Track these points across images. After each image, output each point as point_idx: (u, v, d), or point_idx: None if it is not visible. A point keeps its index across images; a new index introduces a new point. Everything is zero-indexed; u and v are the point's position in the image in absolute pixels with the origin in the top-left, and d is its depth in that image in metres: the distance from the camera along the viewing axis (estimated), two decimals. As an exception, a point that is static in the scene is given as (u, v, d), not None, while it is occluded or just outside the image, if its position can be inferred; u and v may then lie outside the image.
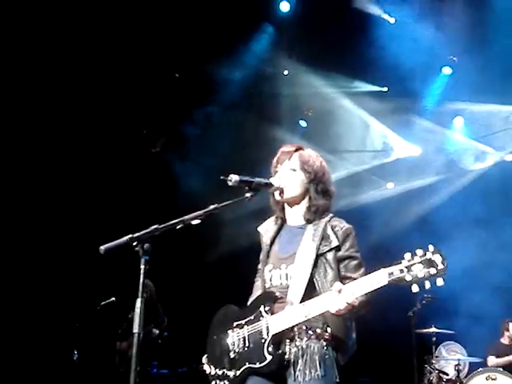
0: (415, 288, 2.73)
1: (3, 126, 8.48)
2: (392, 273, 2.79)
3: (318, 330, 3.18)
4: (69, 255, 8.87)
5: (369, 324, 9.46)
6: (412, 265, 2.74)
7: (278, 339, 3.16)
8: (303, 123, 10.64)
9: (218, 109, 9.86)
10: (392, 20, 9.15)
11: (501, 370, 7.66)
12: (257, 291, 3.52)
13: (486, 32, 8.53)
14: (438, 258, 2.71)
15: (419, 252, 2.75)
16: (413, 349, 7.97)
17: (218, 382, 3.33)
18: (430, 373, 7.96)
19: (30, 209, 8.97)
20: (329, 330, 3.19)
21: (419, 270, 2.71)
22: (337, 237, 3.31)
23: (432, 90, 9.77)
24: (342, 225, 3.36)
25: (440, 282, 2.69)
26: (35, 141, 8.86)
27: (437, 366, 8.08)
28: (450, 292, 8.98)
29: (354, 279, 3.11)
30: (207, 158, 9.73)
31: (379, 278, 2.84)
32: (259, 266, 3.59)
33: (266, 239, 3.53)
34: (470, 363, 8.54)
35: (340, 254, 3.29)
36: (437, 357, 8.20)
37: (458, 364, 8.00)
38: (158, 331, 8.01)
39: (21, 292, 8.68)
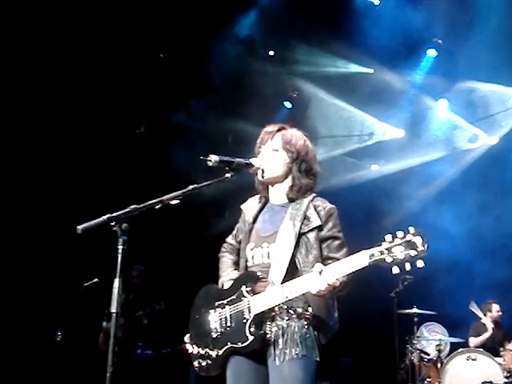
0: (395, 269, 2.75)
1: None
2: (373, 254, 2.81)
3: (299, 310, 3.19)
4: (53, 236, 8.82)
5: (351, 305, 9.52)
6: (392, 246, 2.76)
7: (260, 319, 3.18)
8: (288, 104, 10.60)
9: (202, 90, 9.80)
10: (377, 1, 9.12)
11: (481, 350, 7.74)
12: (228, 268, 3.53)
13: (472, 13, 8.51)
14: (418, 240, 2.72)
15: (399, 234, 2.77)
16: (394, 329, 8.06)
17: (200, 361, 3.35)
18: (412, 353, 8.03)
19: (14, 191, 8.91)
20: (310, 309, 3.21)
21: (399, 252, 2.73)
22: (319, 216, 3.31)
23: (417, 72, 9.76)
24: (325, 205, 3.37)
25: (420, 263, 2.71)
26: (21, 120, 8.78)
27: (418, 346, 8.16)
28: (432, 273, 9.15)
29: (337, 259, 3.12)
30: (195, 138, 9.71)
31: (360, 260, 2.86)
32: (229, 241, 3.65)
33: (248, 217, 3.53)
34: (451, 343, 8.61)
35: (322, 233, 3.30)
36: (418, 337, 8.27)
37: (439, 344, 8.07)
38: (147, 320, 8.04)
39: (2, 274, 8.64)
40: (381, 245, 2.80)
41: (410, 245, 2.72)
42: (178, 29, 9.04)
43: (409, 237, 2.74)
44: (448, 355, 8.03)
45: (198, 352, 3.37)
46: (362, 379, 9.52)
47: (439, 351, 7.98)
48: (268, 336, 3.17)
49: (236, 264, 3.54)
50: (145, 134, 10.47)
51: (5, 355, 8.41)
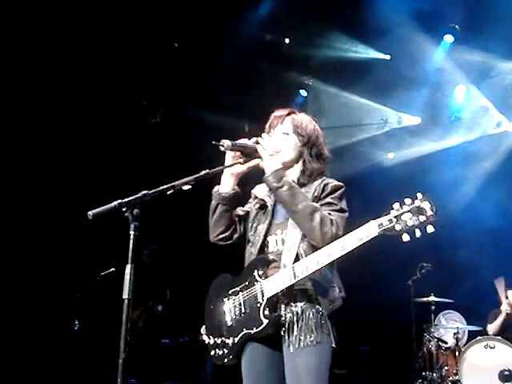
0: (406, 237, 2.73)
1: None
2: (381, 224, 2.79)
3: (310, 292, 3.16)
4: (70, 225, 8.86)
5: (368, 293, 9.56)
6: (401, 214, 2.74)
7: (274, 302, 3.16)
8: (303, 92, 10.54)
9: (218, 78, 9.78)
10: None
11: (499, 338, 7.66)
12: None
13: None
14: (426, 205, 2.70)
15: (407, 201, 2.75)
16: (412, 318, 8.03)
17: (217, 350, 3.33)
18: (429, 341, 7.99)
19: (32, 180, 8.97)
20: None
21: (409, 219, 2.71)
22: (323, 190, 3.28)
23: (433, 58, 9.66)
24: (334, 182, 3.32)
25: (430, 228, 2.69)
26: (35, 112, 8.83)
27: (436, 335, 8.11)
28: (450, 260, 9.08)
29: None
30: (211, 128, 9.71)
31: (369, 230, 2.83)
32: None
33: (258, 202, 3.49)
34: (468, 332, 8.55)
35: (320, 202, 3.25)
36: (436, 325, 8.21)
37: (457, 332, 8.00)
38: (161, 307, 8.06)
39: (21, 264, 8.71)
40: (389, 213, 2.78)
41: (419, 210, 2.70)
42: (192, 18, 9.00)
43: (417, 203, 2.72)
44: (466, 343, 7.96)
45: (215, 342, 3.35)
46: (379, 368, 9.50)
47: (457, 339, 7.92)
48: (282, 320, 3.15)
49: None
50: (160, 123, 10.48)
51: (23, 345, 8.49)
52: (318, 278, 3.14)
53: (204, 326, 3.48)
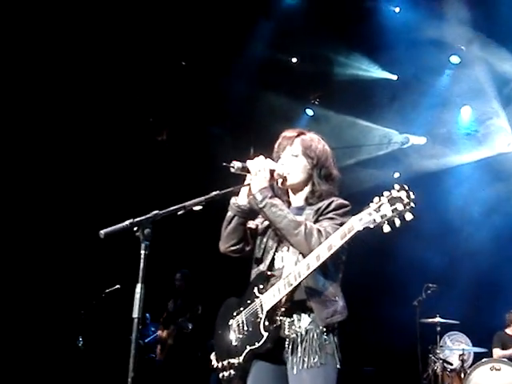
0: (387, 228, 2.74)
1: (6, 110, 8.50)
2: (362, 218, 2.81)
3: (308, 303, 3.13)
4: (75, 242, 8.88)
5: (374, 314, 9.51)
6: (380, 206, 2.76)
7: (273, 315, 3.15)
8: (310, 112, 10.58)
9: (225, 96, 9.83)
10: (397, 9, 9.09)
11: (505, 360, 7.63)
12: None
13: (494, 19, 8.44)
14: (403, 194, 2.73)
15: (386, 193, 2.78)
16: (417, 338, 7.98)
17: (224, 373, 3.30)
18: (435, 362, 7.96)
19: (38, 196, 9.00)
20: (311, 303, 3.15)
21: (387, 209, 2.74)
22: (328, 206, 3.28)
23: (440, 79, 9.70)
24: (339, 200, 3.32)
25: (409, 216, 2.71)
26: (44, 127, 8.89)
27: (441, 356, 8.08)
28: (456, 281, 9.05)
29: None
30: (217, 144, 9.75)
31: (351, 226, 2.85)
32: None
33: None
34: (474, 353, 8.51)
35: (322, 216, 3.25)
36: (441, 346, 8.18)
37: (463, 354, 7.98)
38: (191, 325, 8.09)
39: (26, 280, 8.71)
40: (369, 207, 2.80)
41: (396, 200, 2.73)
42: (199, 36, 9.07)
43: (394, 193, 2.75)
44: (471, 365, 7.92)
45: (222, 364, 3.33)
46: (384, 389, 9.45)
47: (462, 361, 7.90)
48: (286, 341, 3.13)
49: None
50: (166, 141, 10.53)
51: (27, 361, 8.47)
52: (317, 290, 3.14)
53: (214, 352, 3.45)
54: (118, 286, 7.49)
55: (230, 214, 3.39)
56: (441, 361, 7.97)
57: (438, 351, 7.97)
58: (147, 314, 9.08)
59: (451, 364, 8.19)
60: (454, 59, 9.38)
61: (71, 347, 7.57)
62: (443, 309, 8.18)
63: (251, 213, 3.39)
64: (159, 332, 8.68)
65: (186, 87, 9.77)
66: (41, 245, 8.87)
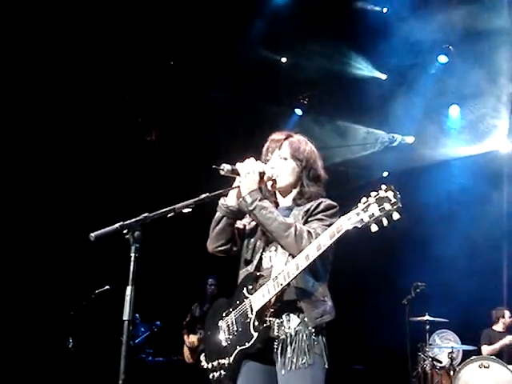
0: (374, 227, 2.78)
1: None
2: (350, 218, 2.84)
3: (297, 304, 3.16)
4: (64, 243, 8.86)
5: (363, 312, 9.55)
6: (367, 206, 2.79)
7: (263, 315, 3.17)
8: (299, 111, 10.59)
9: (216, 94, 9.82)
10: (385, 9, 9.11)
11: (494, 358, 7.69)
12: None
13: (481, 19, 8.49)
14: (390, 194, 2.76)
15: (373, 193, 2.81)
16: (406, 337, 8.02)
17: (214, 374, 3.33)
18: (424, 360, 8.00)
19: (27, 199, 8.97)
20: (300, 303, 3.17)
21: (375, 209, 2.77)
22: (316, 208, 3.30)
23: (428, 78, 9.74)
24: (327, 201, 3.35)
25: (396, 215, 2.74)
26: (34, 130, 8.86)
27: (430, 354, 8.12)
28: (444, 280, 9.11)
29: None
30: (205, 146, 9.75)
31: (339, 226, 2.88)
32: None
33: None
34: (463, 351, 8.56)
35: (311, 218, 3.28)
36: (430, 345, 8.23)
37: (452, 352, 8.03)
38: None
39: (16, 281, 8.68)
40: (357, 207, 2.83)
41: (384, 200, 2.76)
42: (188, 36, 9.06)
43: (381, 193, 2.78)
44: (460, 363, 7.98)
45: (212, 365, 3.36)
46: (373, 387, 9.50)
47: (452, 359, 7.94)
48: (275, 342, 3.16)
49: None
50: (156, 141, 10.51)
51: (16, 363, 8.44)
52: (306, 290, 3.17)
53: (203, 354, 3.48)
54: (107, 287, 7.47)
55: (218, 214, 3.42)
56: (430, 359, 8.02)
57: (427, 349, 8.02)
58: (137, 315, 9.05)
59: (440, 362, 8.23)
60: (442, 59, 9.42)
61: (61, 348, 7.54)
62: (432, 307, 8.22)
63: (240, 213, 3.41)
64: (185, 337, 8.79)
65: (174, 87, 9.75)
66: (31, 246, 8.83)
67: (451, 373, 7.75)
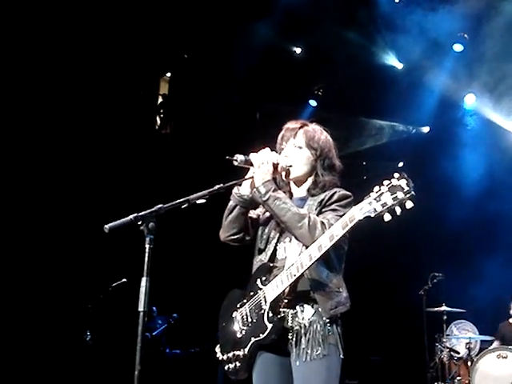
0: (387, 216, 2.75)
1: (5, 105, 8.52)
2: (362, 207, 2.82)
3: (311, 294, 3.14)
4: (82, 236, 8.91)
5: (380, 303, 9.51)
6: (380, 195, 2.76)
7: (277, 306, 3.15)
8: (313, 102, 10.56)
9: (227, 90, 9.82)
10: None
11: (512, 347, 7.63)
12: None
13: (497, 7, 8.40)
14: (403, 182, 2.73)
15: (385, 182, 2.78)
16: (424, 327, 7.98)
17: (230, 365, 3.31)
18: (441, 351, 7.95)
19: (45, 192, 9.03)
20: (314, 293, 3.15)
21: (388, 198, 2.74)
22: (330, 198, 3.28)
23: (443, 67, 9.66)
24: (342, 191, 3.32)
25: (409, 204, 2.72)
26: (48, 121, 8.91)
27: (448, 345, 8.07)
28: (462, 270, 9.05)
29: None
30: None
31: (352, 215, 2.86)
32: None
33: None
34: (481, 341, 8.50)
35: (325, 208, 3.25)
36: (448, 335, 8.18)
37: (469, 342, 7.96)
38: None
39: (33, 275, 8.75)
40: (369, 196, 2.80)
41: (396, 188, 2.73)
42: (201, 29, 9.05)
43: (394, 182, 2.75)
44: (478, 353, 7.92)
45: (227, 357, 3.34)
46: (391, 378, 9.46)
47: (469, 349, 7.88)
48: (290, 332, 3.14)
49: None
50: (170, 134, 10.53)
51: (36, 355, 8.51)
52: (320, 281, 3.15)
53: (218, 345, 3.47)
54: (124, 280, 7.50)
55: (231, 203, 3.40)
56: (447, 349, 7.97)
57: (444, 340, 7.96)
58: (154, 307, 9.09)
59: (458, 352, 8.19)
60: (457, 47, 9.33)
61: (79, 342, 7.59)
62: (450, 297, 8.17)
63: (253, 203, 3.40)
64: None
65: (188, 80, 9.76)
66: (47, 240, 8.89)
67: (469, 363, 7.69)
